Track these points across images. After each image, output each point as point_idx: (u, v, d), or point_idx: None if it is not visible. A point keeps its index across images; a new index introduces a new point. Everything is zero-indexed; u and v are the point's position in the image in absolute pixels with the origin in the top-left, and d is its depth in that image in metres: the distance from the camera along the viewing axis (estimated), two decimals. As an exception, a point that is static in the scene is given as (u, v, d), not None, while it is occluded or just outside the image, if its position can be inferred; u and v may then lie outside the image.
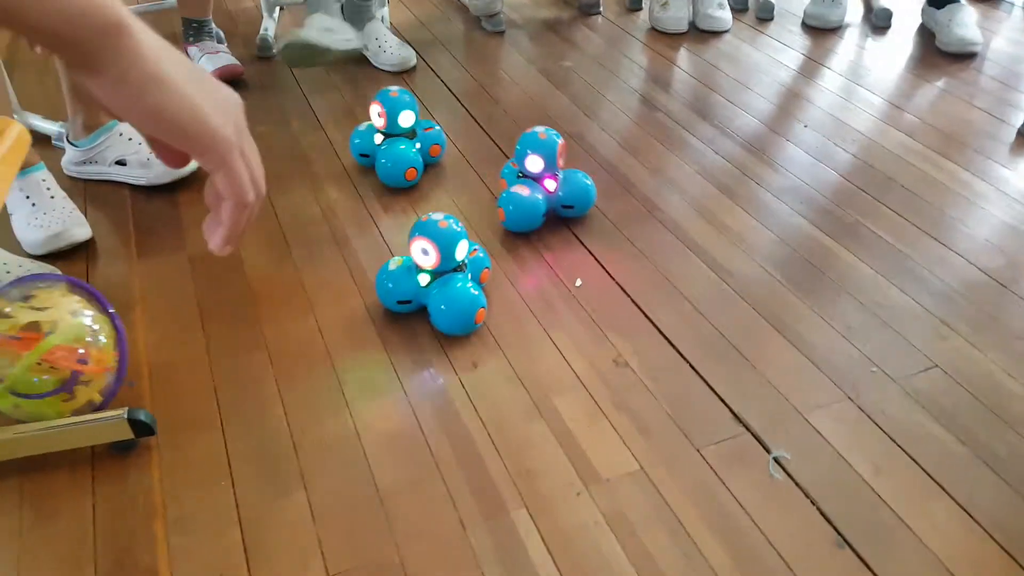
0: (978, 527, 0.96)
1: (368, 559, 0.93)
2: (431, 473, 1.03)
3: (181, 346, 1.22)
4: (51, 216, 1.41)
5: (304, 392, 1.14)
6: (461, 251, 1.22)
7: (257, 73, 2.02)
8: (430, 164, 1.64)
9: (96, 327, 1.04)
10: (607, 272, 1.37)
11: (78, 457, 1.04)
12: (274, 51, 2.10)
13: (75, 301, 1.05)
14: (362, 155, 1.61)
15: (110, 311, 1.08)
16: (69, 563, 0.93)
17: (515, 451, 1.05)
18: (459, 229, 1.21)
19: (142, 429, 1.03)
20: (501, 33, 2.25)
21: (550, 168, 1.43)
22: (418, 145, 1.59)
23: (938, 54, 2.12)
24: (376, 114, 1.55)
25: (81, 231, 1.43)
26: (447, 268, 1.22)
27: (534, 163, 1.42)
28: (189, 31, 2.01)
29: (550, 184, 1.44)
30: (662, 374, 1.17)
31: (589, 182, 1.46)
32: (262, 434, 1.08)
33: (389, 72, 2.03)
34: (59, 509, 0.99)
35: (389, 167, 1.55)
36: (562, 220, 1.49)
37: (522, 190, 1.42)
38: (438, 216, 1.21)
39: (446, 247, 1.19)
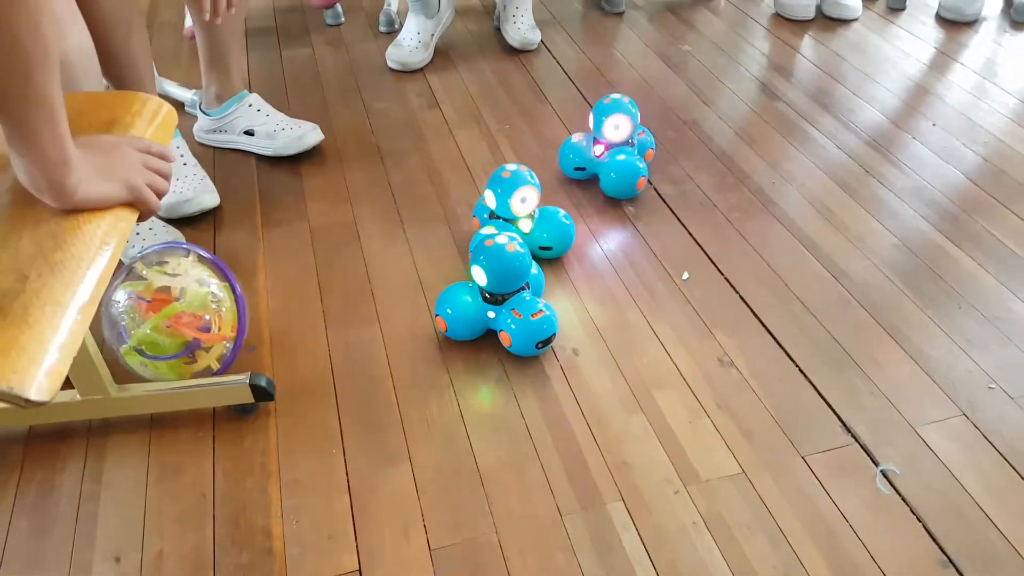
0: (1102, 564, 0.91)
1: (467, 536, 0.97)
2: (531, 458, 1.05)
3: (300, 315, 1.28)
4: (183, 183, 1.50)
5: (412, 369, 1.19)
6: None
7: (379, 48, 2.07)
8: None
9: (221, 295, 1.11)
10: (716, 266, 1.35)
11: (201, 417, 1.12)
12: (396, 26, 2.14)
13: (203, 270, 1.12)
14: (577, 168, 1.55)
15: (233, 283, 1.14)
16: (190, 518, 1.00)
17: (614, 443, 1.07)
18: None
19: (262, 394, 1.10)
20: (620, 14, 2.23)
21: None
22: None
23: (1091, 49, 1.97)
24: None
25: (210, 198, 1.51)
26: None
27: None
28: None
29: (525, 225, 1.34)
30: (769, 376, 1.15)
31: (568, 222, 1.36)
32: (372, 406, 1.13)
33: (514, 47, 2.04)
34: (182, 466, 1.06)
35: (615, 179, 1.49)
36: (671, 211, 1.47)
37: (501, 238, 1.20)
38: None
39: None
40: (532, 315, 1.16)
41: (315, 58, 2.06)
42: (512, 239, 1.17)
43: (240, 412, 1.13)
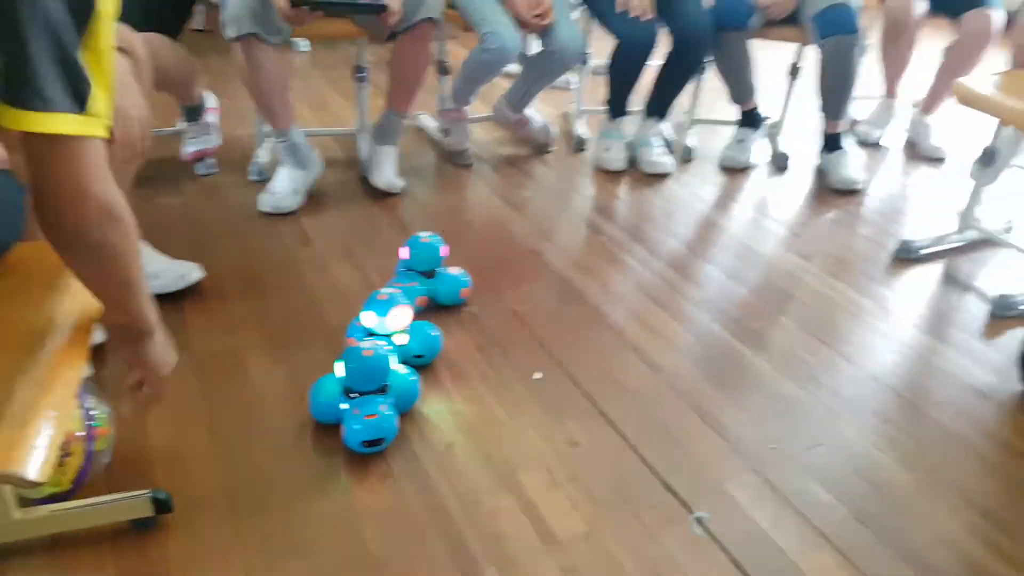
0: (855, 569, 1.21)
1: (369, 602, 1.13)
2: (417, 541, 1.24)
3: (189, 435, 1.42)
4: None
5: (300, 473, 1.36)
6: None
7: (251, 195, 2.29)
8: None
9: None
10: (562, 367, 1.64)
11: (101, 536, 1.21)
12: (267, 176, 2.38)
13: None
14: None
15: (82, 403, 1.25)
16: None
17: (487, 519, 1.28)
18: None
19: (162, 507, 1.22)
20: (469, 166, 2.59)
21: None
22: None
23: (829, 190, 2.53)
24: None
25: (97, 335, 1.64)
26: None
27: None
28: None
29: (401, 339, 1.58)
30: (607, 452, 1.42)
31: (435, 333, 1.62)
32: (265, 510, 1.28)
33: (380, 190, 2.33)
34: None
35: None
36: (523, 322, 1.77)
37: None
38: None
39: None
40: (366, 415, 1.36)
41: (188, 204, 2.25)
42: (373, 347, 1.41)
43: (140, 526, 1.22)
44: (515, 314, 1.81)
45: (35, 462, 0.77)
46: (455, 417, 1.50)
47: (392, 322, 1.56)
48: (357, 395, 1.41)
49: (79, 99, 0.79)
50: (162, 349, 1.10)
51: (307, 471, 1.36)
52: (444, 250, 1.82)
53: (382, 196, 2.34)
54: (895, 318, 1.87)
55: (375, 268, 1.97)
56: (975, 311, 1.92)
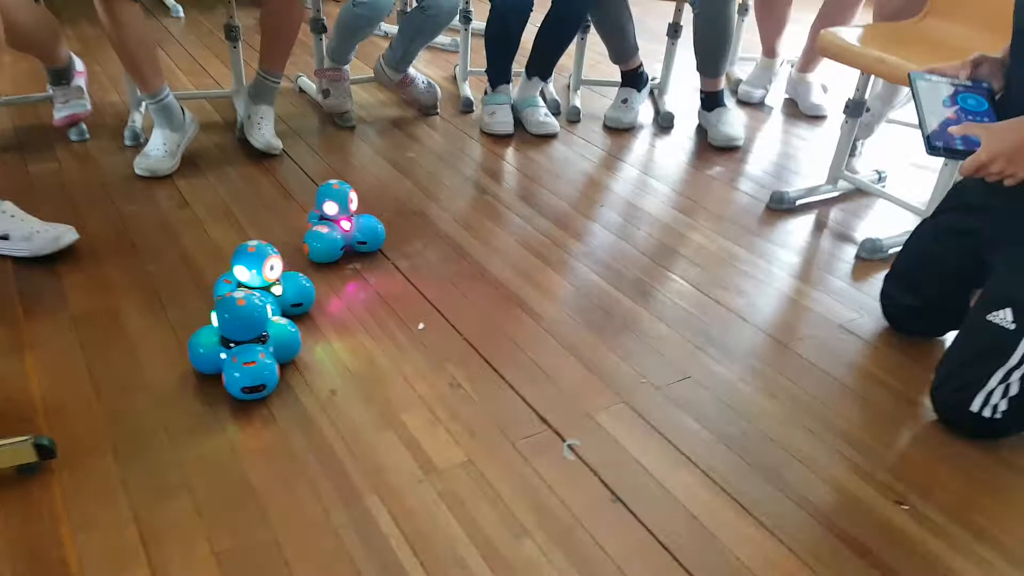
0: (715, 485, 1.31)
1: (247, 540, 1.15)
2: (298, 475, 1.26)
3: (70, 388, 1.39)
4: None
5: (182, 416, 1.35)
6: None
7: (126, 160, 2.22)
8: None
9: None
10: (444, 317, 1.67)
11: (-20, 482, 1.20)
12: (142, 140, 2.30)
13: None
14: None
15: None
16: (-21, 564, 1.08)
17: (368, 454, 1.31)
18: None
19: (46, 453, 1.21)
20: (352, 128, 2.58)
21: (343, 212, 1.83)
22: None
23: (710, 148, 2.65)
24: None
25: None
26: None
27: (330, 208, 1.83)
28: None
29: (345, 224, 1.83)
30: (486, 390, 1.47)
31: (380, 225, 1.86)
32: (149, 453, 1.28)
33: (259, 151, 2.30)
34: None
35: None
36: (406, 279, 1.79)
37: (322, 229, 1.81)
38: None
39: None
40: (245, 363, 1.38)
41: (62, 170, 2.16)
42: (247, 296, 1.42)
43: (24, 472, 1.21)
44: (399, 270, 1.83)
45: None
46: (338, 365, 1.51)
47: (267, 273, 1.56)
48: (234, 344, 1.41)
49: None
50: None
51: (189, 417, 1.35)
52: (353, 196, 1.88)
53: (261, 157, 2.31)
54: (767, 265, 1.99)
55: (255, 227, 1.96)
56: (845, 256, 2.06)
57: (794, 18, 2.93)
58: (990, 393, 1.37)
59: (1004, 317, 1.36)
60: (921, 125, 1.38)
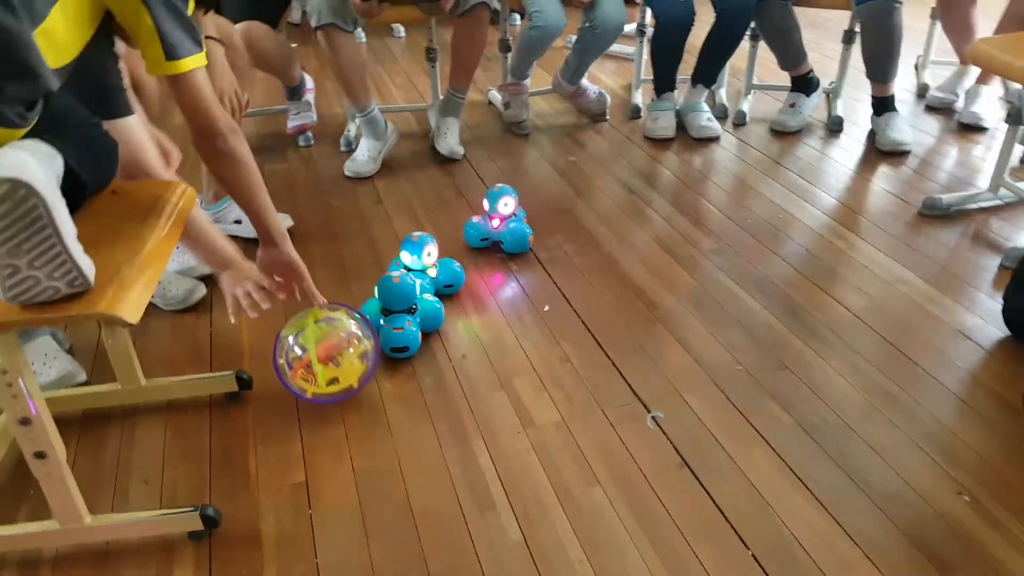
0: (783, 464, 1.42)
1: (378, 462, 1.47)
2: (424, 419, 1.56)
3: (269, 340, 1.81)
4: (187, 256, 2.06)
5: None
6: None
7: (339, 163, 2.68)
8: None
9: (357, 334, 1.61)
10: (568, 301, 1.91)
11: (200, 404, 1.63)
12: (354, 146, 2.76)
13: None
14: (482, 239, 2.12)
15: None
16: (192, 460, 1.50)
17: (482, 406, 1.59)
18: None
19: (244, 385, 1.62)
20: (526, 135, 2.88)
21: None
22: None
23: (876, 152, 2.62)
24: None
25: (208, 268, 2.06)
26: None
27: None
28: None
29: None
30: (590, 366, 1.69)
31: (459, 268, 1.95)
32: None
33: (444, 156, 2.67)
34: (187, 428, 1.57)
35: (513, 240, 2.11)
36: (543, 267, 2.05)
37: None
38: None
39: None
40: (395, 328, 1.70)
41: (290, 170, 2.67)
42: (403, 276, 1.75)
43: (231, 398, 1.63)
44: (538, 260, 2.09)
45: (132, 309, 1.11)
46: (472, 336, 1.80)
47: (426, 258, 1.88)
48: (390, 314, 1.74)
49: (198, 43, 1.24)
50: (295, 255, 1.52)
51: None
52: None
53: (446, 162, 2.67)
54: (901, 268, 1.99)
55: (430, 221, 2.31)
56: (988, 265, 2.00)
57: (988, 26, 2.78)
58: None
59: None
60: None
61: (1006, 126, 2.17)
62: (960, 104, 2.89)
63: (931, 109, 2.93)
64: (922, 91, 3.04)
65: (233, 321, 1.68)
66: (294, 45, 2.77)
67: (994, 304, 1.82)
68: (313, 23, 2.41)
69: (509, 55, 2.89)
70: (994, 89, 2.81)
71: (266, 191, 1.42)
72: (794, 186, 2.45)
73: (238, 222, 2.23)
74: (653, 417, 1.54)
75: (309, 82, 2.94)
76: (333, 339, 1.55)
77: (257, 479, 1.45)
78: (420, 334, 1.74)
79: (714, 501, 1.36)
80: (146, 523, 1.35)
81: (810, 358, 1.69)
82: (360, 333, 1.58)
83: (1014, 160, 2.44)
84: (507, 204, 2.09)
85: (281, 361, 1.55)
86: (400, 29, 4.16)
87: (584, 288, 1.97)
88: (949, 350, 1.70)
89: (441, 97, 2.79)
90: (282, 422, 1.57)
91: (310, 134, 2.87)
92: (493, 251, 2.13)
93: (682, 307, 1.88)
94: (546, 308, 1.89)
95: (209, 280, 2.02)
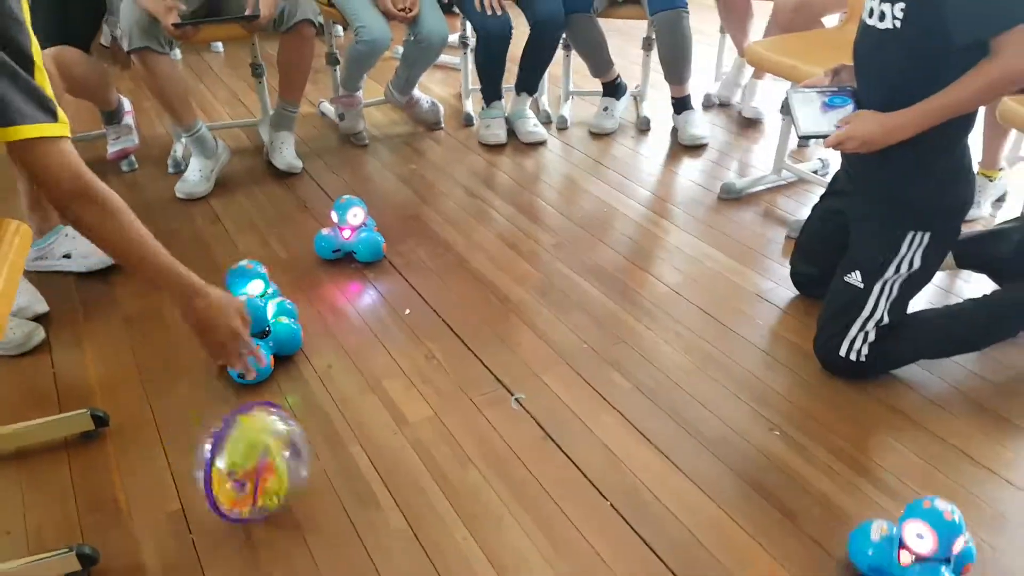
0: (629, 424, 1.62)
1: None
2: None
3: (121, 376, 1.78)
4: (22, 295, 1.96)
5: (208, 388, 1.72)
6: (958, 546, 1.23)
7: (168, 186, 2.62)
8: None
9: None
10: (426, 302, 2.02)
11: (56, 447, 1.59)
12: (183, 167, 2.70)
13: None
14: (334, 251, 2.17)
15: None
16: (57, 499, 1.46)
17: (354, 412, 1.67)
18: (959, 522, 1.21)
19: (100, 422, 1.59)
20: (365, 146, 2.95)
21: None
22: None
23: (680, 147, 2.94)
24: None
25: (41, 306, 1.97)
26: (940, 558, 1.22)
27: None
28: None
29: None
30: (453, 358, 1.82)
31: (295, 325, 1.84)
32: (181, 419, 1.65)
33: (281, 171, 2.68)
34: (45, 472, 1.52)
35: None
36: (399, 272, 2.14)
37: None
38: (944, 506, 1.22)
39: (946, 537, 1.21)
40: None
41: (118, 196, 2.57)
42: (252, 299, 1.76)
43: (88, 437, 1.59)
44: (393, 266, 2.19)
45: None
46: (335, 346, 1.87)
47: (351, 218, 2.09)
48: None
49: (48, 111, 1.20)
50: (213, 311, 1.46)
51: (213, 391, 1.73)
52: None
53: (285, 176, 2.70)
54: (707, 247, 2.28)
55: (275, 236, 2.33)
56: (777, 237, 2.33)
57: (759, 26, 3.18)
58: (853, 340, 1.65)
59: (855, 278, 1.64)
60: (795, 126, 1.67)
61: (781, 116, 2.53)
62: (738, 99, 3.28)
63: (721, 105, 3.31)
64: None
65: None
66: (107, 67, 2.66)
67: (783, 269, 2.14)
68: (125, 47, 2.35)
69: (338, 68, 2.94)
70: (767, 83, 3.22)
71: (143, 242, 1.39)
72: (614, 182, 2.70)
73: (67, 256, 2.14)
74: (516, 399, 1.69)
75: (127, 104, 2.84)
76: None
77: (130, 512, 1.44)
78: (272, 358, 1.76)
79: (575, 464, 1.53)
80: (18, 572, 1.31)
81: (641, 331, 1.91)
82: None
83: (792, 145, 2.84)
84: (356, 215, 2.16)
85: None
86: (219, 45, 4.06)
87: (440, 288, 2.09)
88: (752, 312, 1.98)
89: (271, 111, 2.80)
90: (146, 453, 1.57)
91: (133, 158, 2.78)
92: (346, 262, 2.20)
93: (530, 297, 2.05)
94: (407, 311, 1.99)
95: (45, 319, 1.94)
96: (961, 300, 1.90)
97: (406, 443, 1.59)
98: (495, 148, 2.95)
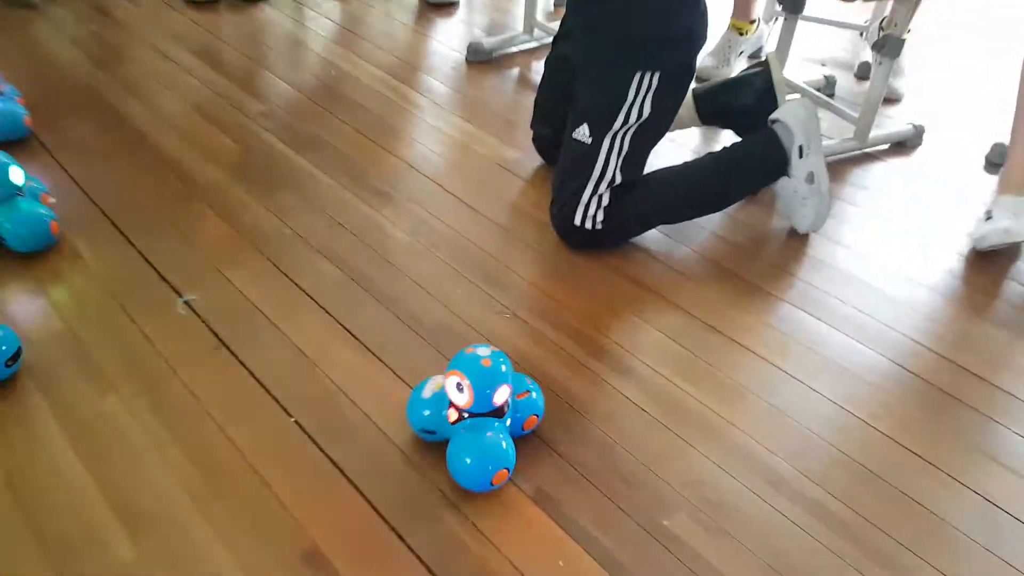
0: (331, 318, 1.31)
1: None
2: None
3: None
4: None
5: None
6: (500, 396, 1.05)
7: None
8: None
9: None
10: (83, 190, 1.56)
11: None
12: None
13: None
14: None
15: None
16: None
17: None
18: (504, 370, 1.05)
19: None
20: (34, 7, 2.30)
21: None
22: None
23: (427, 6, 2.56)
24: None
25: None
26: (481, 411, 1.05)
27: None
28: None
29: None
30: (109, 259, 1.40)
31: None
32: None
33: None
34: None
35: None
36: (50, 154, 1.65)
37: None
38: (484, 352, 1.06)
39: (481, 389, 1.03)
40: None
41: None
42: None
43: None
44: (43, 145, 1.69)
45: None
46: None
47: None
48: None
49: None
50: None
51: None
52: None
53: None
54: (447, 113, 1.97)
55: None
56: (525, 101, 2.05)
57: None
58: (587, 206, 1.42)
59: (583, 133, 1.41)
60: None
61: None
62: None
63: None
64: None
65: None
66: None
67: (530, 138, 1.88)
68: None
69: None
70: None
71: None
72: (347, 41, 2.30)
73: None
74: (185, 301, 1.32)
75: None
76: None
77: None
78: None
79: (254, 376, 1.20)
80: None
81: (365, 211, 1.59)
82: None
83: (549, 5, 2.57)
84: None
85: None
86: None
87: (104, 172, 1.63)
88: (494, 185, 1.71)
89: None
90: None
91: None
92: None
93: (224, 177, 1.65)
94: (52, 200, 1.52)
95: None
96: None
97: (27, 367, 1.18)
98: (206, 6, 2.42)
